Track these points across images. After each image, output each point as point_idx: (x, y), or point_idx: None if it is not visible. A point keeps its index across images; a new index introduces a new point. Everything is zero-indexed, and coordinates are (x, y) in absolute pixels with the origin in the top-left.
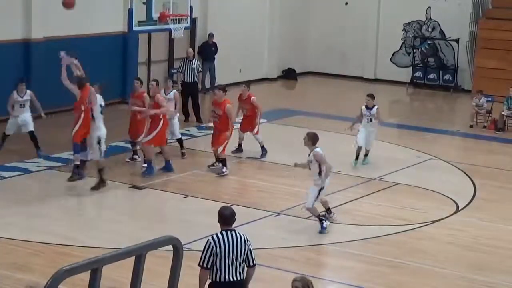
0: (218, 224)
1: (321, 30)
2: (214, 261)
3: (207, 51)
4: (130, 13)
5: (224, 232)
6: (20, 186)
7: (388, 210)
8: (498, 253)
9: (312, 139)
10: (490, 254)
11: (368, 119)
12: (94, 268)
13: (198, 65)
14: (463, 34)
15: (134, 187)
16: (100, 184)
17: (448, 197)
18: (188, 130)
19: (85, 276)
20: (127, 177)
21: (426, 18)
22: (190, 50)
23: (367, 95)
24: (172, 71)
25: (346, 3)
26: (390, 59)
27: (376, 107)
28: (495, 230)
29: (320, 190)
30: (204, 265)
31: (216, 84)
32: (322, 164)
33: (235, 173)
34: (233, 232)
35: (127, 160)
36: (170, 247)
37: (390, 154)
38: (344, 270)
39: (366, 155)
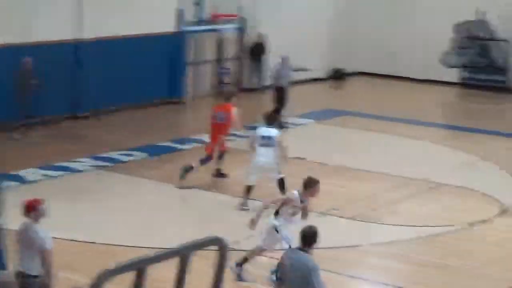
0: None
1: (370, 30)
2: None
3: (258, 50)
4: (180, 13)
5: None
6: (69, 185)
7: (433, 211)
8: None
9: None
10: None
11: None
12: (139, 269)
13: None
14: None
15: (181, 187)
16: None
17: (493, 199)
18: None
19: (129, 276)
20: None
21: (476, 18)
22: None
23: None
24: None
25: None
26: (439, 60)
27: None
28: None
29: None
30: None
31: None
32: None
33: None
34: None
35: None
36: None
37: (437, 155)
38: (387, 271)
39: None
